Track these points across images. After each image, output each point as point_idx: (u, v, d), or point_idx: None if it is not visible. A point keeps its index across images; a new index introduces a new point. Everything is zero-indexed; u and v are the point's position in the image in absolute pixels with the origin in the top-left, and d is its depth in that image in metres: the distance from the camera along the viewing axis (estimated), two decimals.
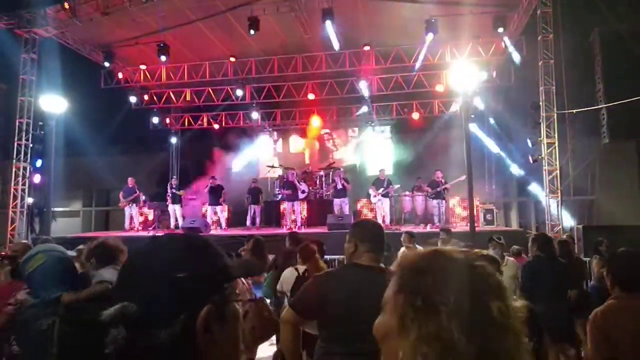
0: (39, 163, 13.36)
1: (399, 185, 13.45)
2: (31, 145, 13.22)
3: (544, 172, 12.00)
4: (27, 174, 13.25)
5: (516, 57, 13.19)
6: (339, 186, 13.13)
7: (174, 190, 13.65)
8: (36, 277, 2.14)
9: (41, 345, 2.00)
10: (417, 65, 13.84)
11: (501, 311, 0.80)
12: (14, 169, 13.16)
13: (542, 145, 11.89)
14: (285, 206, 13.71)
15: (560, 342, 4.74)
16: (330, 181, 14.83)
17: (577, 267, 6.13)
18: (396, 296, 0.85)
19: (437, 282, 0.82)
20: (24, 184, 13.20)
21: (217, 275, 0.86)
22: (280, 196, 14.70)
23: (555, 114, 11.83)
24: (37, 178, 13.40)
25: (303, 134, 18.61)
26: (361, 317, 2.22)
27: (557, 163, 11.95)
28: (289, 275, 4.71)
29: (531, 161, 12.35)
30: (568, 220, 12.70)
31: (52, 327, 1.98)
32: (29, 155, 13.24)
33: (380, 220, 12.18)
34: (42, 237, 10.79)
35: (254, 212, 13.86)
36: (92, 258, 2.83)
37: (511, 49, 12.87)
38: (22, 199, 13.16)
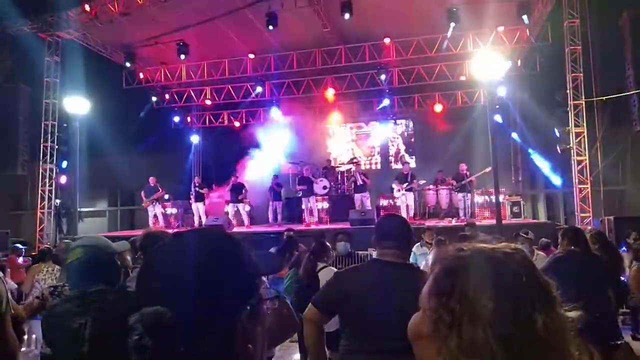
0: (64, 164, 13.62)
1: (424, 181, 13.21)
2: (57, 146, 13.47)
3: (572, 162, 11.67)
4: (54, 175, 13.51)
5: (541, 45, 12.81)
6: (359, 182, 13.00)
7: (197, 189, 13.74)
8: (72, 270, 2.19)
9: (71, 344, 1.98)
10: (439, 53, 13.52)
11: (546, 325, 0.71)
12: (41, 171, 13.43)
13: (571, 134, 11.55)
14: (303, 202, 13.64)
15: (605, 346, 4.36)
16: (351, 176, 14.70)
17: (617, 260, 5.84)
18: (430, 298, 0.78)
19: (475, 285, 0.74)
20: (51, 185, 13.46)
21: (254, 275, 0.82)
22: (300, 192, 14.64)
23: (584, 102, 11.47)
24: (63, 179, 13.65)
25: (324, 128, 18.50)
26: (383, 313, 2.13)
27: (586, 153, 11.60)
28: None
29: (559, 151, 12.01)
30: (598, 212, 12.31)
31: (84, 326, 1.96)
32: (54, 157, 13.49)
33: (404, 215, 12.03)
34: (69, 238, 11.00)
35: (276, 209, 13.82)
36: (139, 251, 2.85)
37: (536, 36, 12.51)
38: (50, 200, 13.43)
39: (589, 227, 10.14)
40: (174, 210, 14.96)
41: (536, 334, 0.70)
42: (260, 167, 16.41)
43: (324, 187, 14.36)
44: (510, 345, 0.69)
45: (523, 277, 0.75)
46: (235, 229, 13.12)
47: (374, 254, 2.97)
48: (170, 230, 12.87)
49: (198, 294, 0.72)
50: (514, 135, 15.92)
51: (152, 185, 13.71)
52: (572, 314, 0.76)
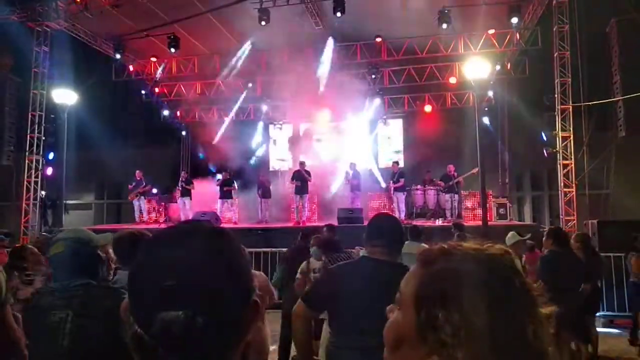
0: (51, 156, 13.47)
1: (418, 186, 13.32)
2: (43, 138, 13.30)
3: (558, 165, 11.81)
4: (40, 167, 13.34)
5: (531, 49, 12.95)
6: (350, 180, 13.07)
7: (183, 184, 13.68)
8: (55, 263, 2.16)
9: (50, 337, 1.95)
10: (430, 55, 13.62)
11: (536, 333, 0.69)
12: (27, 162, 13.25)
13: (557, 138, 11.69)
14: (294, 199, 13.63)
15: (574, 339, 4.68)
16: (344, 175, 14.71)
17: (596, 262, 6.00)
18: (416, 299, 0.72)
19: (469, 293, 0.69)
20: (36, 177, 13.29)
21: (249, 270, 0.82)
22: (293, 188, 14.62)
23: (571, 107, 11.61)
24: (49, 170, 13.50)
25: (314, 127, 18.47)
26: (370, 310, 2.17)
27: (572, 157, 11.75)
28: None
29: (546, 155, 12.15)
30: (583, 215, 12.49)
31: (64, 320, 1.94)
32: (41, 148, 13.32)
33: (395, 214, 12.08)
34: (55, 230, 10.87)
35: (264, 206, 13.79)
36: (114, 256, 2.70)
37: (526, 40, 12.65)
38: (35, 191, 13.25)
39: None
40: (160, 204, 14.88)
41: (527, 341, 0.68)
42: (251, 164, 16.37)
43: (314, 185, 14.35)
44: (506, 356, 0.66)
45: (516, 282, 0.72)
46: (224, 225, 13.09)
47: (361, 252, 3.01)
48: (152, 226, 12.81)
49: (202, 294, 0.69)
50: (502, 136, 16.06)
51: (138, 179, 13.72)
52: (547, 311, 0.72)
